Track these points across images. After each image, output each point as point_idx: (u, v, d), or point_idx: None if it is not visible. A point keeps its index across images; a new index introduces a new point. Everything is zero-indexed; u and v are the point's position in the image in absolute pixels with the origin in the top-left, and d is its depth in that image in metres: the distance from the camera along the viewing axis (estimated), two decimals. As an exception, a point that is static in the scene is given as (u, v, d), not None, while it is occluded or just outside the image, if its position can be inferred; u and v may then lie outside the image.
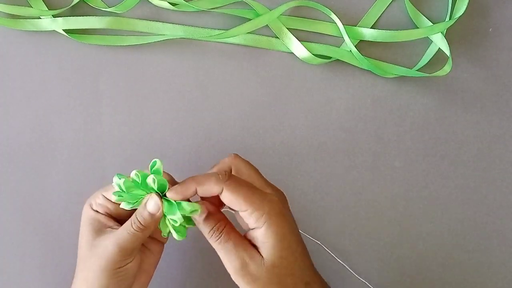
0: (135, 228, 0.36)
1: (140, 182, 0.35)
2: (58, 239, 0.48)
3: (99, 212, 0.38)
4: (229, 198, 0.34)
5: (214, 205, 0.36)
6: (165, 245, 0.41)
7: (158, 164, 0.35)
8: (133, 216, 0.36)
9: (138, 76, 0.48)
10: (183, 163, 0.48)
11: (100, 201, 0.38)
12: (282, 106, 0.49)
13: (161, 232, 0.37)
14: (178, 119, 0.48)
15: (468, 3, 0.47)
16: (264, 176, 0.38)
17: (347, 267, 0.48)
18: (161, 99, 0.48)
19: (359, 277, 0.48)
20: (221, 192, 0.34)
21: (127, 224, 0.36)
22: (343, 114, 0.49)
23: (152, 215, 0.35)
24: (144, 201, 0.36)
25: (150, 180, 0.34)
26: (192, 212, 0.34)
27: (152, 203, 0.35)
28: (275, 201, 0.35)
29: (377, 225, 0.49)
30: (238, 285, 0.35)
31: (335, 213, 0.48)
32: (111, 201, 0.37)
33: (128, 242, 0.36)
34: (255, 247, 0.35)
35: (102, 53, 0.48)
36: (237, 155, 0.38)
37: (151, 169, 0.35)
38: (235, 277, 0.34)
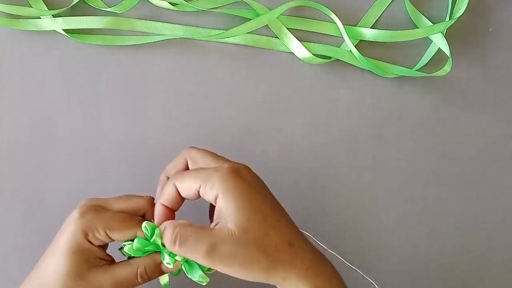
0: (140, 281, 0.35)
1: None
2: (58, 239, 0.48)
3: (93, 244, 0.36)
4: (182, 187, 0.35)
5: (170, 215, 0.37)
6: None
7: None
8: (141, 268, 0.35)
9: (138, 76, 0.48)
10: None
11: (101, 236, 0.35)
12: (282, 106, 0.49)
13: None
14: (178, 119, 0.48)
15: (468, 3, 0.47)
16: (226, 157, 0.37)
17: (339, 257, 0.48)
18: (161, 99, 0.48)
19: (351, 266, 0.47)
20: (176, 188, 0.35)
21: (130, 272, 0.35)
22: (343, 114, 0.49)
23: (165, 272, 0.36)
24: (159, 259, 0.36)
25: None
26: (208, 270, 0.35)
27: (172, 265, 0.35)
28: (225, 168, 0.34)
29: (377, 225, 0.49)
30: (216, 268, 0.33)
31: (335, 213, 0.48)
32: (111, 239, 0.36)
33: (128, 286, 0.36)
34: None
35: (102, 53, 0.48)
36: (192, 147, 0.38)
37: None
38: (207, 262, 0.33)
